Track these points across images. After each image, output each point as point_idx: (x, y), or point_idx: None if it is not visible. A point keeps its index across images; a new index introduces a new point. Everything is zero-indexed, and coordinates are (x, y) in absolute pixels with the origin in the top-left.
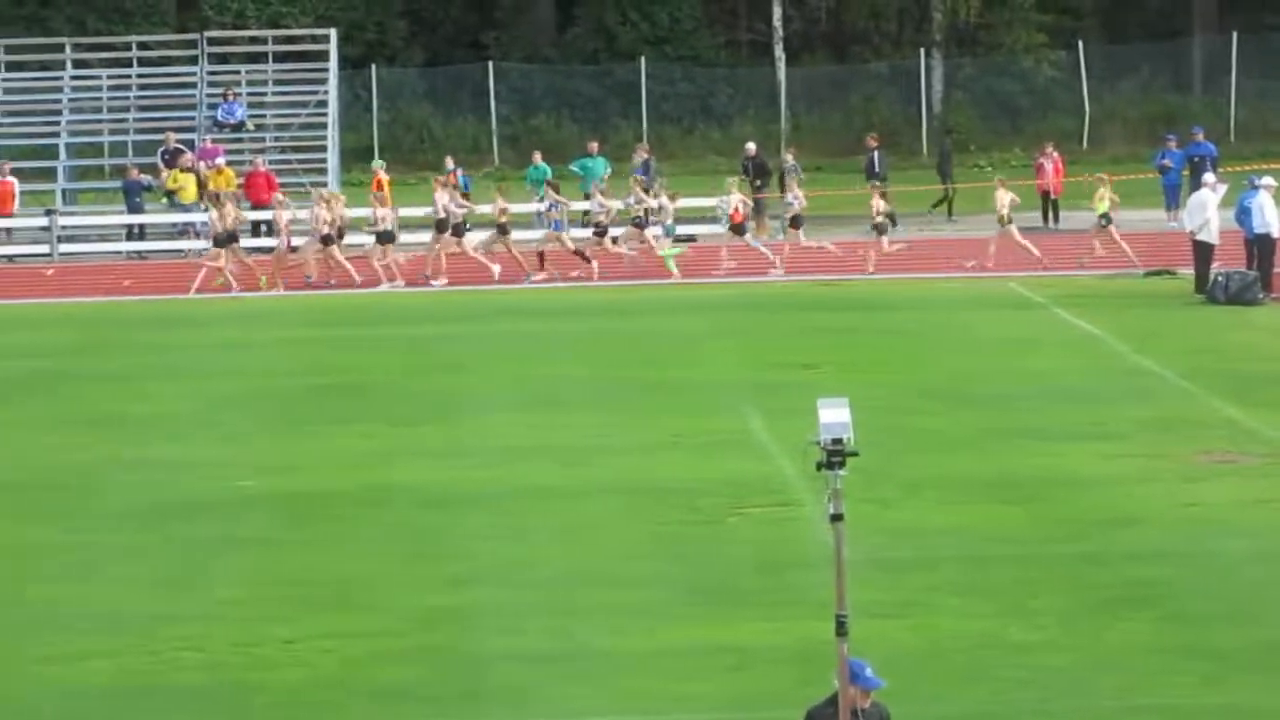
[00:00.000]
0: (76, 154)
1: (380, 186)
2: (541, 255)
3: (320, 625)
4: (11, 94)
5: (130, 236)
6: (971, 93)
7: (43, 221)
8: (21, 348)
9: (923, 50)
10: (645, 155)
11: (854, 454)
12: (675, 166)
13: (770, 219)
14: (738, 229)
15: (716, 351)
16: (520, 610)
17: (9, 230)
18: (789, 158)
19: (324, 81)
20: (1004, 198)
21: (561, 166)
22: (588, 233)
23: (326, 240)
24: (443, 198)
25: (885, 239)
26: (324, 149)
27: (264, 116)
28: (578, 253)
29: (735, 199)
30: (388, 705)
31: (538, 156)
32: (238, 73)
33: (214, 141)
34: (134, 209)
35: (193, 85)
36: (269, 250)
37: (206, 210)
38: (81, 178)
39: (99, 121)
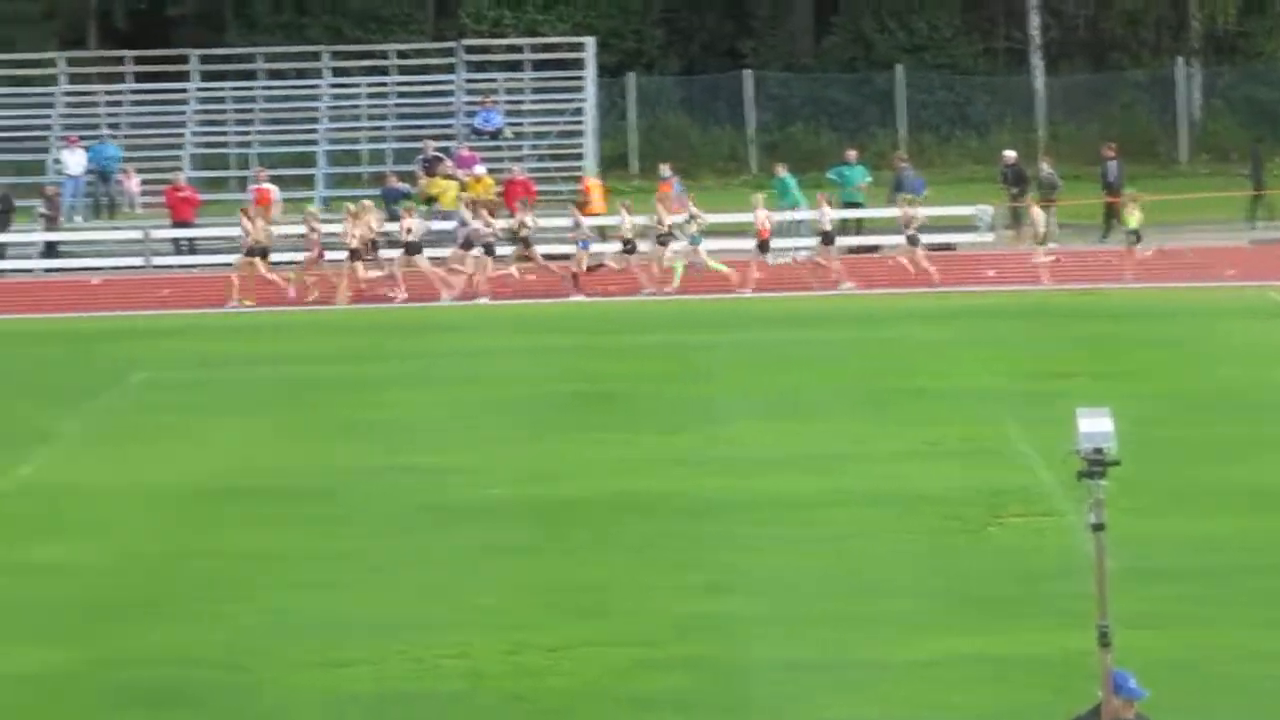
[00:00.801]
0: (335, 161)
1: (589, 195)
2: (575, 275)
3: (581, 633)
4: (271, 102)
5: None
6: (1230, 101)
7: (302, 229)
8: (279, 355)
9: (1180, 58)
10: (903, 164)
11: (1115, 463)
12: (933, 175)
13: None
14: (764, 245)
15: (970, 360)
16: (779, 619)
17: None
18: (1045, 166)
19: (581, 89)
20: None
21: (819, 174)
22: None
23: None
24: (407, 220)
25: (920, 250)
26: (581, 157)
27: (521, 124)
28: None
29: (761, 215)
30: (650, 714)
31: (781, 169)
32: (495, 80)
33: (471, 149)
34: (393, 216)
35: (450, 93)
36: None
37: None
38: (340, 185)
39: (357, 129)
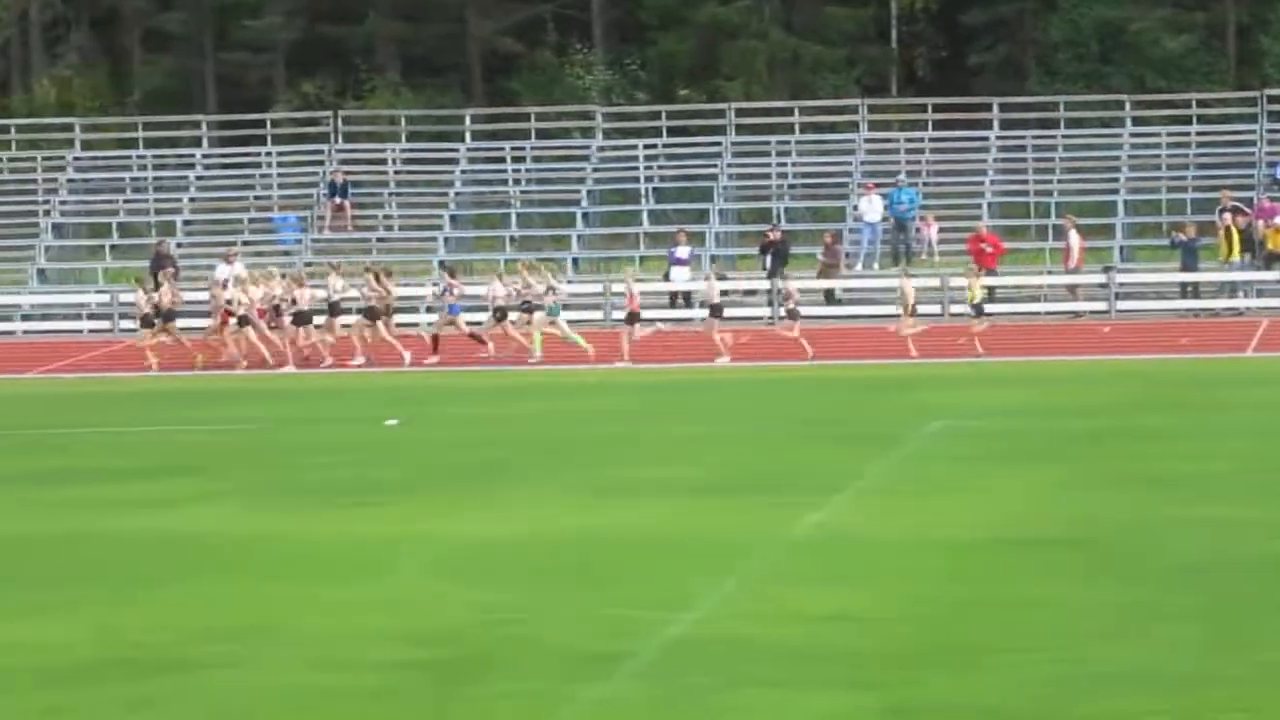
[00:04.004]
0: (1134, 211)
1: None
2: (435, 339)
3: None
4: (1071, 150)
5: (1185, 295)
6: None
7: (1100, 278)
8: (1077, 405)
9: None
10: None
11: None
12: None
13: None
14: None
15: None
16: None
17: (1072, 287)
18: None
19: None
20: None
21: None
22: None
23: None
24: (336, 282)
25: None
26: None
27: None
28: (473, 335)
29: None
30: None
31: None
32: None
33: (1272, 200)
34: (1188, 267)
35: (1251, 143)
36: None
37: None
38: (1139, 235)
39: (1156, 179)
